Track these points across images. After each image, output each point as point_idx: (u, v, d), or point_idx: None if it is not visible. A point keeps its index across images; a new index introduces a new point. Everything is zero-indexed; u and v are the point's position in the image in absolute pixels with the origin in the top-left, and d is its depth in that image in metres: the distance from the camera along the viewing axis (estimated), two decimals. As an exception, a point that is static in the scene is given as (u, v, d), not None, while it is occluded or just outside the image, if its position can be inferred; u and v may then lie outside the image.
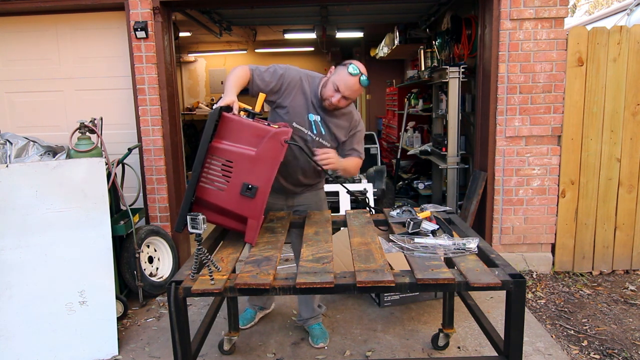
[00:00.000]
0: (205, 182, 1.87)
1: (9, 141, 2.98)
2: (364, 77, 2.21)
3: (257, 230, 1.92)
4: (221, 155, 1.85)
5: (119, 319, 2.93)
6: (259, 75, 2.26)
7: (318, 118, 2.35)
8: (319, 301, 2.83)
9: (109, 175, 2.95)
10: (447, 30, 4.76)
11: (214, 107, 1.99)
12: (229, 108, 1.96)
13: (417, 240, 1.89)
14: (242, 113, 2.00)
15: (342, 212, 3.98)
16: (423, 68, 5.94)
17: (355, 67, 2.20)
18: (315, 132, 2.34)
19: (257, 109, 2.09)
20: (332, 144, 2.40)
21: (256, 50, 9.53)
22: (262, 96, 2.18)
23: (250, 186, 1.84)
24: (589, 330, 2.83)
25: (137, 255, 3.09)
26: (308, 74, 2.37)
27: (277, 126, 1.95)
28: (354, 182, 4.62)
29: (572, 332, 2.82)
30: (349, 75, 2.19)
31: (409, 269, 1.70)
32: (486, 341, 2.58)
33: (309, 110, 2.33)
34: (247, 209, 1.87)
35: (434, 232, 2.00)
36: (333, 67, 2.29)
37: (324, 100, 2.27)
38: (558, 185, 3.58)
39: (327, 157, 2.20)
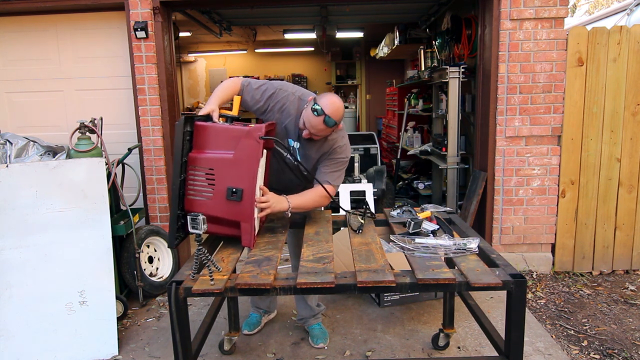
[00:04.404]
0: (192, 194, 1.86)
1: (9, 141, 2.97)
2: (328, 119, 2.01)
3: (252, 232, 1.89)
4: (201, 164, 1.84)
5: (119, 319, 2.93)
6: (249, 92, 2.20)
7: (297, 145, 2.24)
8: (318, 300, 2.82)
9: (109, 175, 2.95)
10: (447, 30, 4.76)
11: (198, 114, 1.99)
12: (208, 117, 1.95)
13: (417, 240, 1.89)
14: (221, 119, 1.98)
15: (342, 212, 3.97)
16: (423, 68, 5.94)
17: (319, 106, 2.00)
18: (292, 157, 2.25)
19: (235, 112, 2.07)
20: (311, 169, 2.26)
21: (256, 50, 9.54)
22: (237, 98, 2.14)
23: (234, 190, 1.82)
24: (589, 330, 2.83)
25: (137, 255, 3.08)
26: (300, 97, 2.23)
27: (252, 125, 1.92)
28: (354, 182, 4.62)
29: (572, 332, 2.82)
30: (312, 115, 2.02)
31: (410, 269, 1.70)
32: (486, 341, 2.59)
33: (289, 134, 2.23)
34: (237, 213, 1.86)
35: (434, 232, 2.01)
36: (311, 97, 2.14)
37: (301, 130, 2.15)
38: (558, 185, 3.58)
39: (263, 206, 1.96)
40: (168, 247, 1.92)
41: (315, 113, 2.01)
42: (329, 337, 2.73)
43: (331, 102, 2.03)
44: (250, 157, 1.83)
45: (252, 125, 1.90)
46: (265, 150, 2.06)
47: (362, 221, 2.16)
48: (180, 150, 1.79)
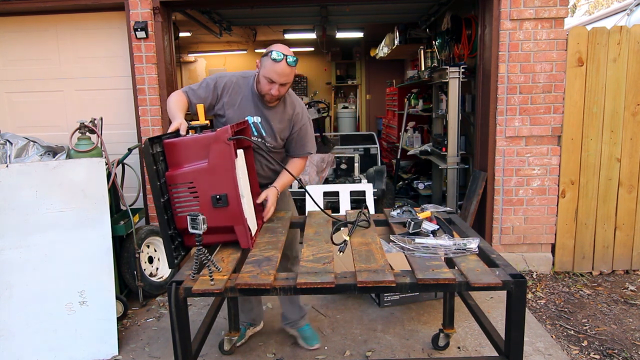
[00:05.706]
0: (180, 211, 1.86)
1: (9, 141, 2.97)
2: (290, 59, 2.14)
3: (247, 233, 1.90)
4: (180, 180, 1.84)
5: (119, 319, 2.93)
6: (194, 94, 2.25)
7: (257, 119, 2.30)
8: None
9: (109, 175, 2.95)
10: (447, 30, 4.76)
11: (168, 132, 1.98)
12: (178, 133, 1.96)
13: (417, 240, 1.89)
14: (191, 131, 1.98)
15: (342, 212, 3.98)
16: (423, 68, 5.94)
17: (278, 52, 2.12)
18: (256, 134, 2.30)
19: (202, 120, 2.06)
20: (277, 143, 2.36)
21: (256, 50, 9.53)
22: (200, 107, 2.14)
23: (218, 196, 1.82)
24: (589, 331, 2.83)
25: (137, 255, 3.08)
26: (241, 75, 2.34)
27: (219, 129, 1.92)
28: (354, 182, 4.62)
29: (572, 332, 2.82)
30: (275, 63, 2.13)
31: (410, 269, 1.70)
32: (486, 341, 2.59)
33: (246, 112, 2.29)
34: (227, 218, 1.86)
35: (434, 232, 2.00)
36: (258, 60, 2.23)
37: (264, 96, 2.23)
38: (558, 185, 3.58)
39: (268, 210, 2.23)
40: (169, 267, 1.91)
41: (277, 59, 2.11)
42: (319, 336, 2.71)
43: (282, 47, 2.17)
44: (225, 160, 1.82)
45: (220, 129, 1.90)
46: (242, 151, 2.08)
47: (347, 238, 1.99)
48: (155, 173, 1.77)
